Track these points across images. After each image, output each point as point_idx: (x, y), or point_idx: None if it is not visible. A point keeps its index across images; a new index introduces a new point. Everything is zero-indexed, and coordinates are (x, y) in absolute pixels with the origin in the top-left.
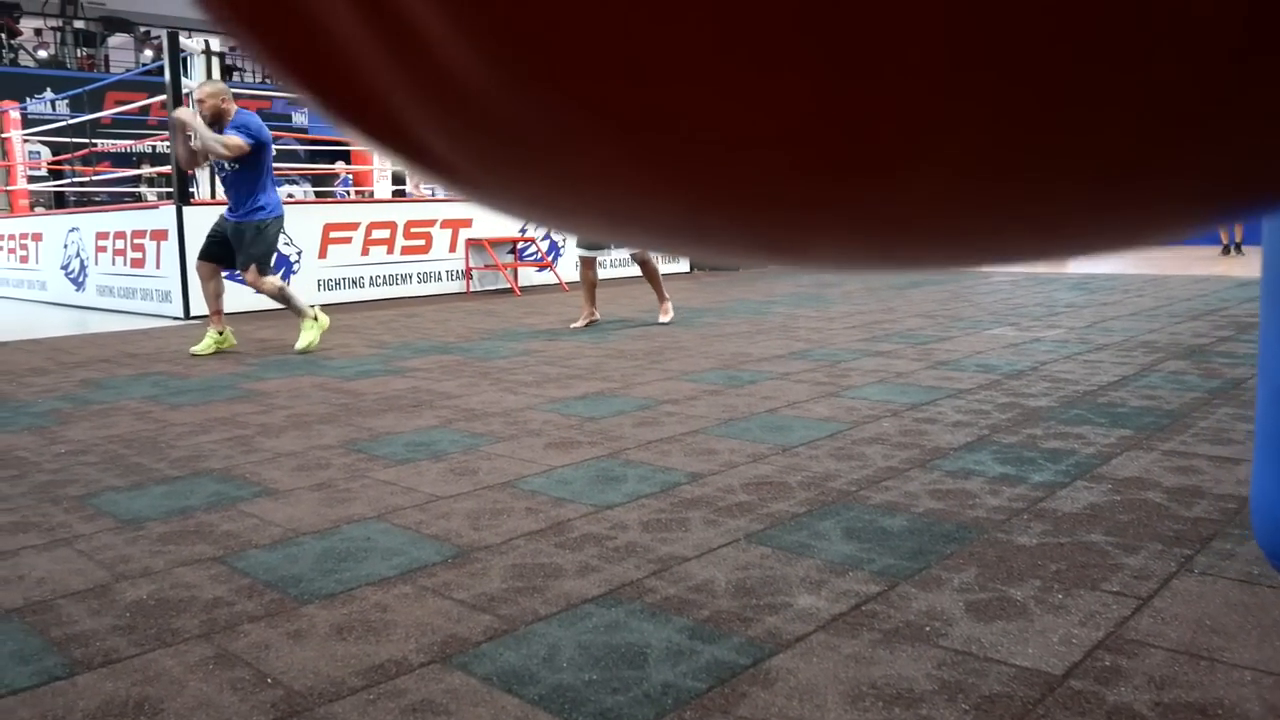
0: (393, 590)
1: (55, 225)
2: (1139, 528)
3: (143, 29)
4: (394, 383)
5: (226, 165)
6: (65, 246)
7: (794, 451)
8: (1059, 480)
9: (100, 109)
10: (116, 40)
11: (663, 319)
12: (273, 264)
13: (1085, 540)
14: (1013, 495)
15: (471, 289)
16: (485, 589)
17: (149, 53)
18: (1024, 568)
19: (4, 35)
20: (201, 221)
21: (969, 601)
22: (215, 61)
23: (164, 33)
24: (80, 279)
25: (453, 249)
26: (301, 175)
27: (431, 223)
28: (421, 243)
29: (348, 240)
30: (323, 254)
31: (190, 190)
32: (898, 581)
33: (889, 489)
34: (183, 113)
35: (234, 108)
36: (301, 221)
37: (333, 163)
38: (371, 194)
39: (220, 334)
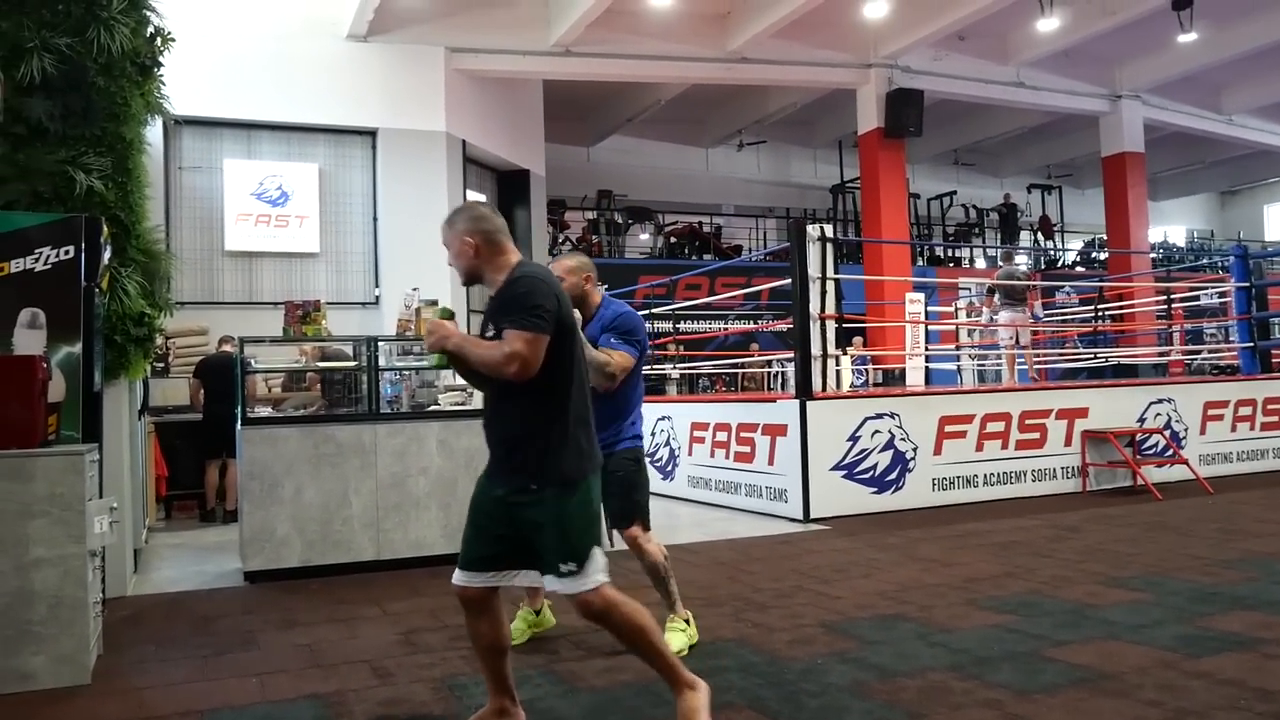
0: None
1: (646, 412)
2: None
3: (660, 216)
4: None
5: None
6: (653, 434)
7: None
8: None
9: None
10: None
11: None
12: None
13: None
14: None
15: (1088, 488)
16: None
17: (660, 240)
18: None
19: (555, 228)
20: (824, 417)
21: None
22: (829, 248)
23: (790, 220)
24: (670, 468)
25: (1068, 443)
26: None
27: (1047, 413)
28: (1036, 435)
29: (962, 435)
30: (937, 450)
31: (811, 383)
32: None
33: None
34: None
35: (600, 292)
36: (920, 415)
37: (849, 340)
38: (902, 373)
39: (537, 613)
